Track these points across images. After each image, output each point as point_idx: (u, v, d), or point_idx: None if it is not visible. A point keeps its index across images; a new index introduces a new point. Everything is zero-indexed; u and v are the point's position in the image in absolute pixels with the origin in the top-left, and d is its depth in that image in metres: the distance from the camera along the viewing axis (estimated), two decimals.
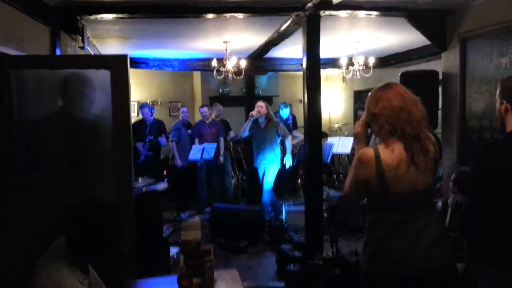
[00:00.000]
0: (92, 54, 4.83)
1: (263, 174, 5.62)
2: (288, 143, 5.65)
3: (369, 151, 1.73)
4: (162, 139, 6.25)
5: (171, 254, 4.10)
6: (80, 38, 4.01)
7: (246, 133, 5.68)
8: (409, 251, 1.69)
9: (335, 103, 9.33)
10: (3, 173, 2.67)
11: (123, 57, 2.90)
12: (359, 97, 8.59)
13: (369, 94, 1.86)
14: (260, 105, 5.52)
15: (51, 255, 1.75)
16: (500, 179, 1.71)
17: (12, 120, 2.73)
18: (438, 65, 4.67)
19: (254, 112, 5.53)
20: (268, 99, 7.84)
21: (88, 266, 1.88)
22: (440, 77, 4.53)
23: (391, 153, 1.69)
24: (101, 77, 2.86)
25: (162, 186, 4.04)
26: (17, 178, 2.71)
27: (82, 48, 4.16)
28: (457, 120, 4.22)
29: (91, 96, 2.95)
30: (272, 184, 5.58)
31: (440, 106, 4.53)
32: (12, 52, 2.84)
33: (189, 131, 6.63)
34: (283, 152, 5.70)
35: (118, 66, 2.85)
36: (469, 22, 4.03)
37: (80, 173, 2.83)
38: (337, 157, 8.20)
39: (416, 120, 1.71)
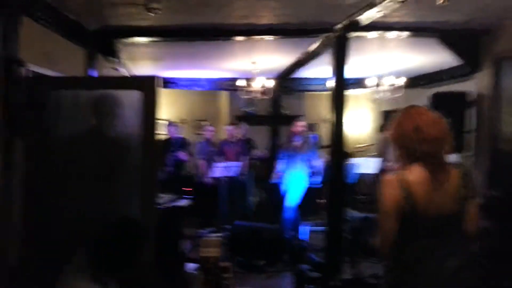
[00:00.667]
0: (125, 74, 4.99)
1: (290, 192, 5.61)
2: (319, 163, 5.72)
3: (392, 175, 1.73)
4: (182, 154, 6.33)
5: (190, 270, 4.09)
6: (115, 60, 4.16)
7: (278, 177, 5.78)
8: (435, 277, 1.65)
9: (362, 124, 9.22)
10: (40, 187, 2.76)
11: (155, 78, 2.97)
12: (387, 117, 8.46)
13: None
14: (301, 125, 5.72)
15: (73, 269, 1.79)
16: None
17: (48, 137, 2.84)
18: (468, 87, 4.56)
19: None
20: (294, 119, 7.85)
21: (108, 280, 1.90)
22: (472, 98, 4.42)
23: (413, 175, 1.68)
24: (132, 96, 2.93)
25: (184, 202, 4.06)
26: (51, 191, 2.79)
27: (116, 69, 4.31)
28: (489, 143, 4.08)
29: (123, 115, 3.02)
30: (298, 202, 5.56)
31: (467, 129, 4.39)
32: (51, 73, 2.98)
33: (213, 149, 6.71)
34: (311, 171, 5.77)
35: (149, 87, 2.92)
36: (505, 42, 3.94)
37: (110, 188, 2.89)
38: (362, 178, 8.04)
39: (432, 138, 1.68)
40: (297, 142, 5.64)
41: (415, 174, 1.68)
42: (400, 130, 1.75)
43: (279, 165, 5.83)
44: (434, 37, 4.07)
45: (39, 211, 2.76)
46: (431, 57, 5.20)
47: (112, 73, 4.39)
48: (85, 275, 1.75)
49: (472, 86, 4.48)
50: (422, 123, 1.70)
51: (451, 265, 1.66)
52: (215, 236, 5.62)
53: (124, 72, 4.85)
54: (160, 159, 5.52)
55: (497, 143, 4.00)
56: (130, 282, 2.07)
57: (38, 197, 2.77)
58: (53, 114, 2.89)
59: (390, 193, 1.69)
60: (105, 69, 4.25)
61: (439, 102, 4.22)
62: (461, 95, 4.43)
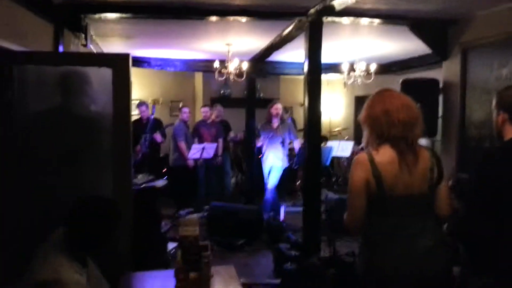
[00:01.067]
0: (95, 52, 4.85)
1: (269, 173, 5.69)
2: (298, 145, 5.84)
3: (362, 155, 1.78)
4: (158, 136, 6.29)
5: (169, 249, 4.12)
6: (83, 36, 4.03)
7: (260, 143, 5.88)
8: (405, 257, 1.70)
9: (336, 108, 9.35)
10: (2, 167, 2.68)
11: (125, 56, 2.91)
12: (360, 102, 8.61)
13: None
14: (278, 108, 5.77)
15: (50, 247, 1.79)
16: (498, 187, 1.72)
17: (13, 114, 2.75)
18: (438, 74, 4.70)
19: (259, 143, 5.86)
20: (269, 102, 7.88)
21: (87, 258, 1.91)
22: (441, 85, 4.55)
23: (382, 156, 1.73)
24: (103, 75, 2.88)
25: (161, 182, 4.06)
26: (17, 172, 2.72)
27: (85, 46, 4.18)
28: (456, 128, 4.24)
29: (92, 93, 2.96)
30: (276, 183, 5.67)
31: (440, 114, 4.55)
32: (15, 47, 2.87)
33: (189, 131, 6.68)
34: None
35: (120, 65, 2.86)
36: (471, 32, 4.05)
37: (80, 169, 2.85)
38: (336, 160, 8.21)
39: (401, 122, 1.72)
40: (275, 123, 5.71)
41: (384, 155, 1.72)
42: (370, 112, 1.79)
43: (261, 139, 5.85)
44: (405, 25, 4.14)
45: (8, 192, 2.68)
46: (402, 44, 5.29)
47: (81, 49, 4.26)
48: (63, 252, 1.75)
49: (441, 73, 4.61)
50: (392, 107, 1.74)
51: (422, 245, 1.70)
52: (190, 215, 5.66)
53: (93, 49, 4.72)
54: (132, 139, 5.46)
55: (464, 128, 4.15)
56: (108, 261, 2.09)
57: (6, 178, 2.68)
58: (17, 90, 2.80)
59: (359, 172, 1.74)
60: (73, 45, 4.12)
61: (409, 88, 4.32)
62: (431, 82, 4.55)
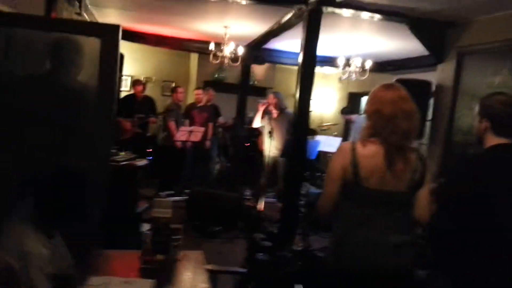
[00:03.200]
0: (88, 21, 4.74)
1: (264, 163, 5.68)
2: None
3: (346, 144, 1.81)
4: (153, 119, 6.25)
5: (143, 229, 4.09)
6: (78, 3, 3.93)
7: (258, 124, 5.78)
8: (372, 250, 1.71)
9: (328, 102, 9.33)
10: None
11: (116, 27, 2.83)
12: (353, 98, 8.61)
13: (373, 89, 1.86)
14: (270, 97, 5.72)
15: (17, 216, 1.75)
16: (475, 195, 1.72)
17: None
18: (431, 76, 4.69)
19: (261, 105, 5.69)
20: (263, 90, 7.83)
21: (54, 231, 1.88)
22: (433, 88, 4.55)
23: (367, 149, 1.74)
24: (93, 44, 2.81)
25: (141, 161, 4.03)
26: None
27: (79, 14, 4.08)
28: (444, 132, 4.25)
29: (80, 62, 2.89)
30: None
31: (429, 117, 4.55)
32: (5, 9, 2.77)
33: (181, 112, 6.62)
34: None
35: (110, 36, 2.79)
36: (468, 37, 4.05)
37: (59, 138, 2.79)
38: (323, 155, 8.22)
39: (403, 132, 1.72)
40: (274, 113, 5.62)
41: (369, 148, 1.73)
42: (379, 111, 1.76)
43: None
44: (404, 23, 4.11)
45: None
46: (400, 44, 5.27)
47: (75, 17, 4.15)
48: (30, 223, 1.71)
49: (435, 76, 4.61)
50: (399, 113, 1.72)
51: (391, 241, 1.71)
52: (169, 198, 5.64)
53: (87, 18, 4.61)
54: (120, 115, 5.37)
55: (451, 133, 4.16)
56: (76, 236, 2.05)
57: None
58: (2, 53, 2.72)
59: (338, 158, 1.77)
60: (66, 12, 4.01)
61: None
62: (424, 84, 4.54)
